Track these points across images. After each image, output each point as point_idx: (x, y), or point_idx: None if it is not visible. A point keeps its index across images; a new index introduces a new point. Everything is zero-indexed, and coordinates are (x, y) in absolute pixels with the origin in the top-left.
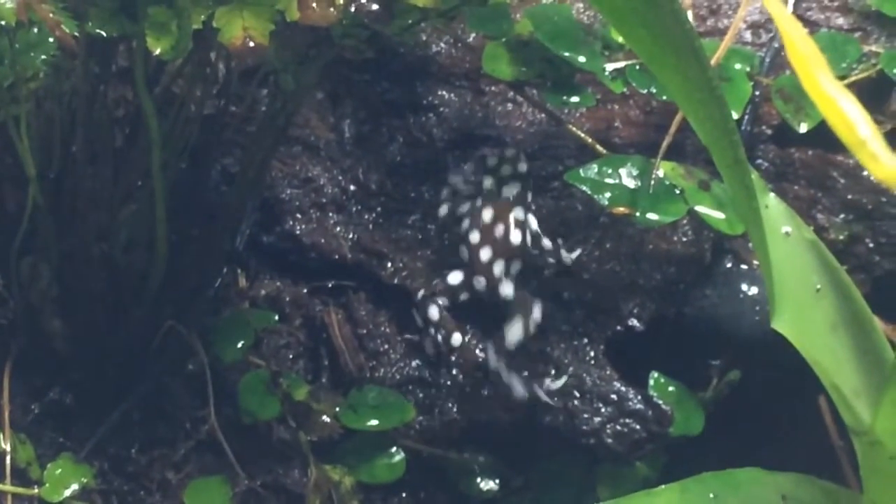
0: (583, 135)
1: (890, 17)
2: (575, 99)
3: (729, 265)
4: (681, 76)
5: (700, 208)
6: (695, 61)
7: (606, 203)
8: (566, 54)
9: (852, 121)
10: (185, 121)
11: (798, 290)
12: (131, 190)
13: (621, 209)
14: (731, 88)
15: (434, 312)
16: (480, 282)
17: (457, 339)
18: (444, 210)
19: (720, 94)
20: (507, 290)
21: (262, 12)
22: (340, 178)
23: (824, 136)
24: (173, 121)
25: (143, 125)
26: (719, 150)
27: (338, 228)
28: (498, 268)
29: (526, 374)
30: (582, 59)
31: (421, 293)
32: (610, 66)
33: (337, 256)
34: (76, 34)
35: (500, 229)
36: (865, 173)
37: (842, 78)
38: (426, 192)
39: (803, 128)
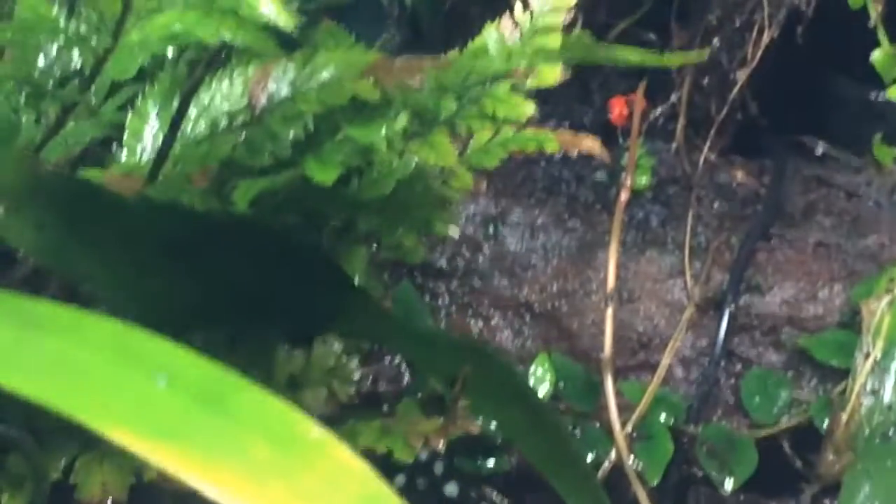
0: None
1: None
2: (490, 464)
3: None
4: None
5: None
6: (579, 476)
7: None
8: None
9: None
10: None
11: None
12: None
13: None
14: (652, 448)
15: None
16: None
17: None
18: None
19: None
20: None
21: (123, 464)
22: None
23: (760, 480)
24: None
25: None
26: None
27: None
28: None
29: None
30: None
31: None
32: None
33: None
34: None
35: None
36: None
37: (773, 425)
38: None
39: (728, 485)
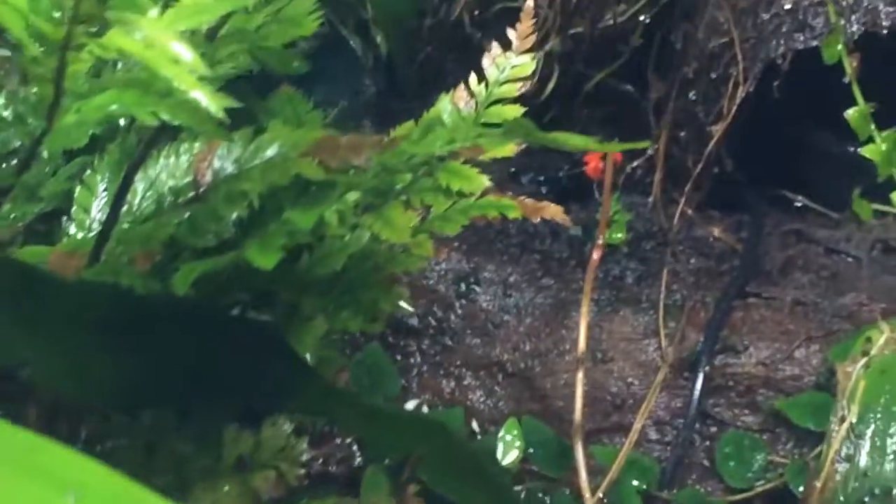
0: None
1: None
2: None
3: None
4: None
5: None
6: None
7: None
8: None
9: None
10: None
11: None
12: None
13: None
14: None
15: None
16: None
17: None
18: None
19: None
20: None
21: None
22: None
23: None
24: None
25: None
26: None
27: None
28: None
29: None
30: None
31: None
32: None
33: None
34: None
35: None
36: None
37: (748, 490)
38: None
39: None
